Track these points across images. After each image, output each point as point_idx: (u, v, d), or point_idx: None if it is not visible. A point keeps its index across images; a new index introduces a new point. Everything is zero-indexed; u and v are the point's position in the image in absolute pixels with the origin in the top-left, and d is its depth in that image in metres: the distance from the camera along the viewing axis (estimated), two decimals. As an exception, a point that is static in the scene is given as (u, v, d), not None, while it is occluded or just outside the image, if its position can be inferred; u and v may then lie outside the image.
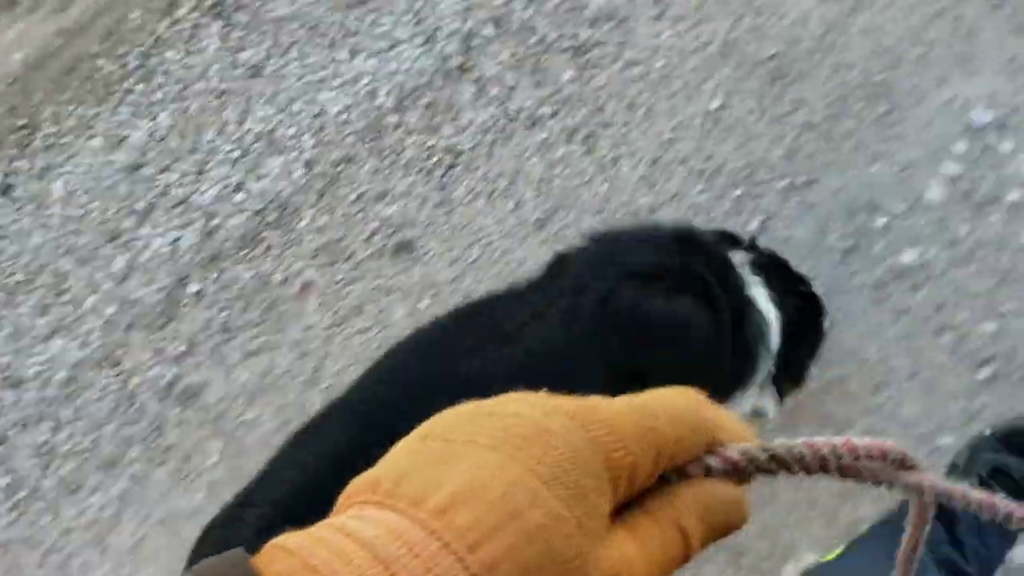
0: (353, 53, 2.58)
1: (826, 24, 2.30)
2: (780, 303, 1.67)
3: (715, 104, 2.30)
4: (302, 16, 2.67)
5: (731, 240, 1.76)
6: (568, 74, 2.42)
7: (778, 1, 2.35)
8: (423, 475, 0.40)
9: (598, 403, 0.42)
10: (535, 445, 0.39)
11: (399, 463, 0.42)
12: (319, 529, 0.39)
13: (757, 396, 1.80)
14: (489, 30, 2.51)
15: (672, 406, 0.43)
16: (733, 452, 0.43)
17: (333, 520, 0.40)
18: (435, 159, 2.40)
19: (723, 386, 1.61)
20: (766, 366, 1.68)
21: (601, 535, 0.39)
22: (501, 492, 0.38)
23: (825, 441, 0.43)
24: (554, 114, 2.39)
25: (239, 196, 2.48)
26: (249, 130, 2.56)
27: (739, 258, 1.66)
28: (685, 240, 1.62)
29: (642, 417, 0.42)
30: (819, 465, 0.42)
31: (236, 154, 2.53)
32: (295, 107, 2.56)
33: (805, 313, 1.75)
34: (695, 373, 1.52)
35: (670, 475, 0.42)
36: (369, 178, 2.42)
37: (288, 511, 1.30)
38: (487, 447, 0.40)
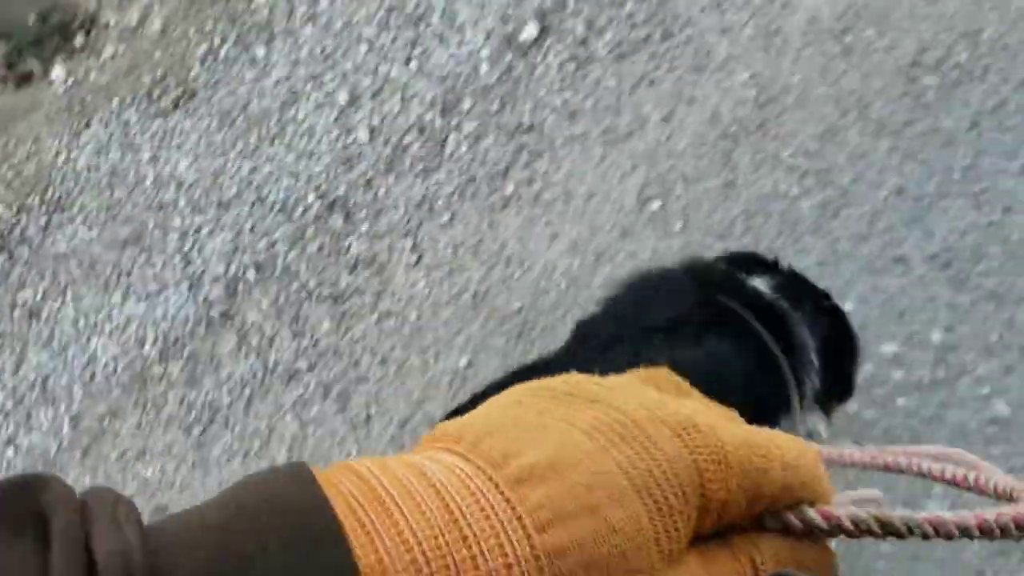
0: (125, 296, 2.57)
1: (570, 277, 2.29)
2: (812, 321, 1.70)
3: (463, 362, 2.29)
4: (80, 253, 2.67)
5: (753, 262, 1.76)
6: (326, 325, 2.42)
7: (525, 252, 2.34)
8: (509, 437, 0.38)
9: (717, 425, 0.41)
10: (633, 446, 0.38)
11: (488, 419, 0.41)
12: (394, 461, 0.38)
13: (805, 420, 1.83)
14: (252, 274, 2.51)
15: (790, 452, 0.42)
16: (840, 512, 0.41)
17: (410, 456, 0.39)
18: (194, 415, 2.40)
19: (772, 411, 1.60)
20: (811, 387, 1.70)
21: (675, 557, 0.37)
22: (586, 480, 0.36)
23: (953, 518, 0.40)
24: (311, 367, 2.39)
25: (9, 452, 2.49)
26: (24, 378, 2.56)
27: (763, 282, 1.67)
28: (701, 276, 1.62)
29: (755, 455, 0.40)
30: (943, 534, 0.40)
31: (10, 404, 2.54)
32: (69, 353, 2.56)
33: (836, 327, 1.77)
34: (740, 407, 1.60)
35: (766, 517, 0.41)
36: (132, 434, 2.42)
37: None
38: (582, 431, 0.39)
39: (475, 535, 0.34)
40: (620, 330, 1.54)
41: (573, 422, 0.39)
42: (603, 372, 1.36)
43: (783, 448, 0.42)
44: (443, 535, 0.34)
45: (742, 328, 1.55)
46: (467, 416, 0.42)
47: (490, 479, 0.36)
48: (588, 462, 0.37)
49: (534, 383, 0.44)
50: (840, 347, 1.79)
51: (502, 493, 0.35)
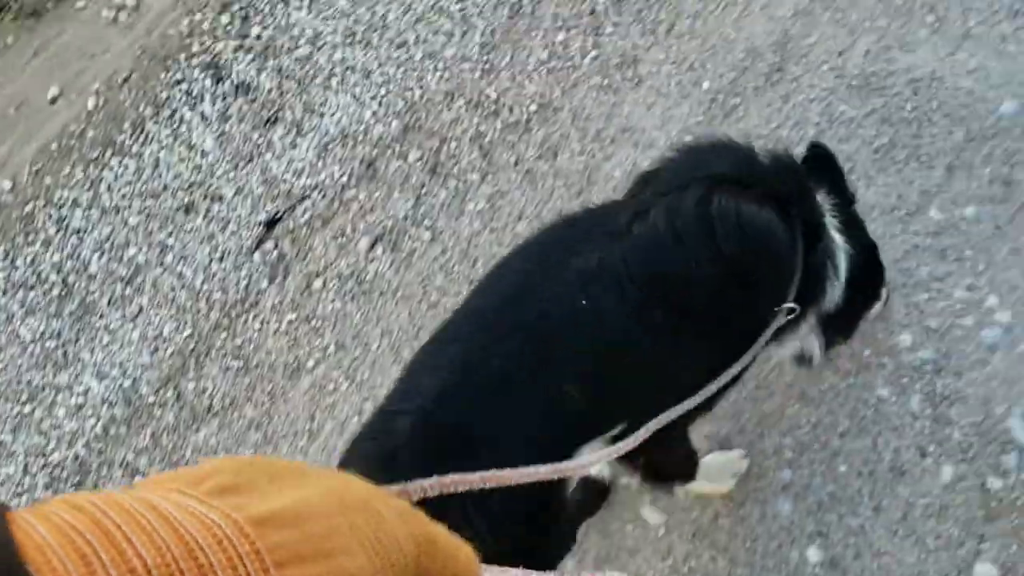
0: None
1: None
2: (851, 241, 1.80)
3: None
4: None
5: (823, 171, 1.86)
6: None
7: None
8: (250, 484, 0.41)
9: (424, 519, 0.51)
10: (363, 512, 0.44)
11: (228, 467, 0.43)
12: (122, 495, 0.37)
13: (807, 337, 1.88)
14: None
15: (461, 548, 0.54)
16: None
17: (139, 492, 0.39)
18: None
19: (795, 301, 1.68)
20: (832, 297, 1.77)
21: None
22: (322, 530, 0.40)
23: None
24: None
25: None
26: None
27: (821, 191, 1.77)
28: (776, 158, 1.71)
29: (450, 543, 0.52)
30: None
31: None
32: None
33: (869, 261, 1.91)
34: (775, 283, 1.66)
35: None
36: None
37: (431, 416, 1.41)
38: (320, 487, 0.43)
39: (211, 564, 0.36)
40: (688, 178, 1.60)
41: (310, 475, 0.44)
42: (669, 212, 1.55)
43: (456, 542, 0.53)
44: (176, 563, 0.35)
45: (789, 215, 1.64)
46: (204, 464, 0.44)
47: (229, 516, 0.38)
48: (326, 515, 0.42)
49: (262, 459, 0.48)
50: (864, 284, 1.91)
51: (242, 530, 0.38)
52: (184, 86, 3.33)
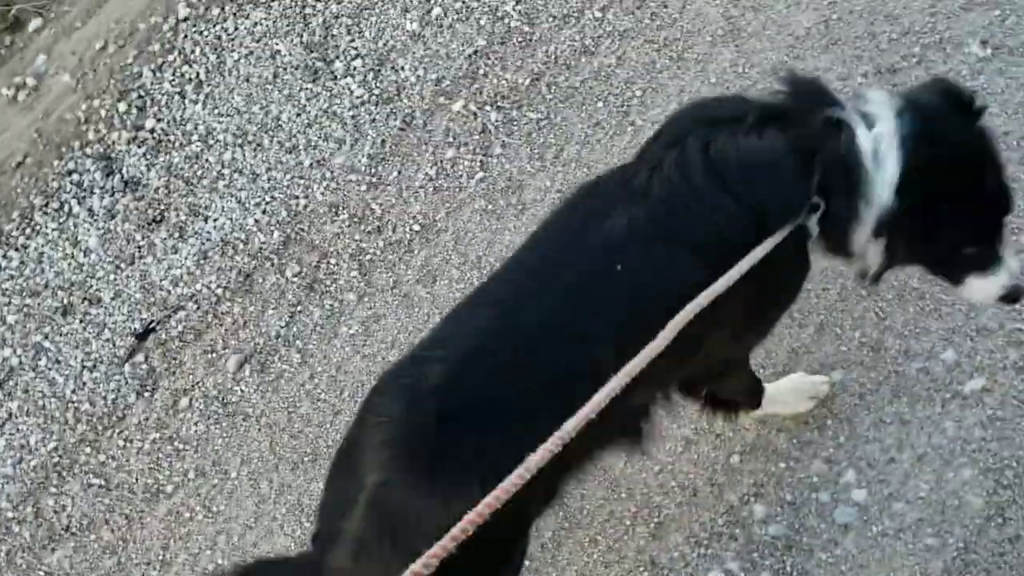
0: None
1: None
2: (913, 149, 1.62)
3: None
4: None
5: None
6: None
7: None
8: None
9: None
10: None
11: None
12: None
13: (863, 244, 1.73)
14: None
15: None
16: None
17: None
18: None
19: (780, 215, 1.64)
20: (875, 196, 1.64)
21: None
22: None
23: None
24: None
25: None
26: None
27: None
28: (793, 82, 1.73)
29: None
30: None
31: None
32: None
33: (961, 169, 1.66)
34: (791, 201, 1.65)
35: None
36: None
37: (463, 371, 1.50)
38: None
39: None
40: (687, 129, 1.67)
41: None
42: (679, 164, 1.61)
43: None
44: None
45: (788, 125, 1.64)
46: None
47: None
48: None
49: None
50: (953, 193, 1.65)
51: None
52: (75, 177, 3.25)
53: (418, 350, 1.65)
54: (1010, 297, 1.84)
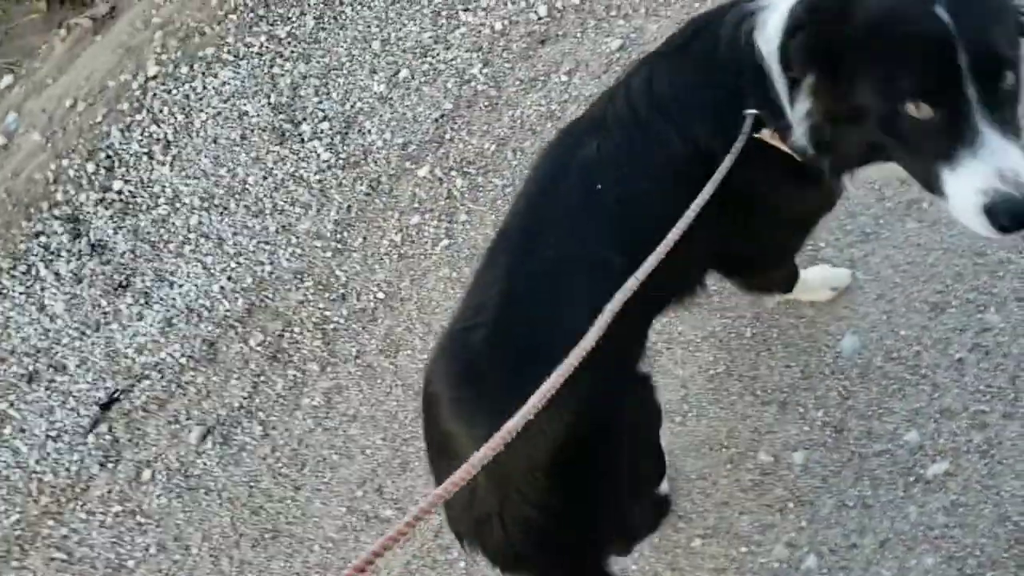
0: None
1: None
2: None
3: None
4: None
5: None
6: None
7: None
8: None
9: None
10: None
11: None
12: None
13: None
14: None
15: None
16: None
17: None
18: None
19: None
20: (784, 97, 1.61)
21: None
22: None
23: None
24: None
25: None
26: None
27: None
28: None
29: None
30: None
31: None
32: None
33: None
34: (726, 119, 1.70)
35: None
36: None
37: (500, 324, 1.59)
38: None
39: None
40: (630, 70, 1.84)
41: None
42: (627, 95, 1.76)
43: None
44: None
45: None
46: None
47: None
48: None
49: None
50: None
51: None
52: (43, 239, 3.24)
53: (455, 323, 1.72)
54: (997, 214, 1.36)
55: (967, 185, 1.37)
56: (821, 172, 1.66)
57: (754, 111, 1.65)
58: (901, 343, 2.46)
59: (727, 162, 1.63)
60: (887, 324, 2.49)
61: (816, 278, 2.50)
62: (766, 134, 1.68)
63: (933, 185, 1.46)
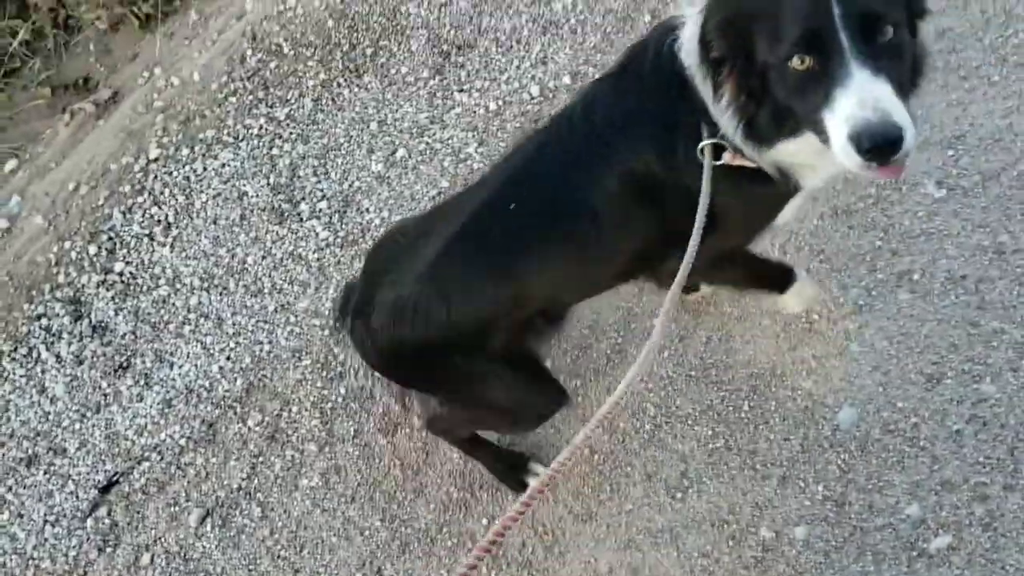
0: None
1: None
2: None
3: None
4: None
5: None
6: None
7: None
8: None
9: None
10: None
11: None
12: None
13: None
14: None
15: None
16: None
17: None
18: None
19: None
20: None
21: None
22: None
23: None
24: None
25: None
26: None
27: None
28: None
29: None
30: None
31: None
32: None
33: None
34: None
35: None
36: None
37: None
38: None
39: None
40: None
41: None
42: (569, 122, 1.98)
43: None
44: None
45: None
46: None
47: None
48: None
49: None
50: None
51: None
52: (44, 322, 3.26)
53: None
54: (858, 139, 1.46)
55: (837, 120, 1.49)
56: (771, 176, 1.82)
57: (711, 140, 1.77)
58: (898, 415, 2.47)
59: (703, 200, 1.77)
60: (884, 396, 2.49)
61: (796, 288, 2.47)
62: (727, 157, 1.79)
63: (821, 133, 1.57)
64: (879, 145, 1.44)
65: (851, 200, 2.77)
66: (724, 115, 1.71)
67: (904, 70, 1.56)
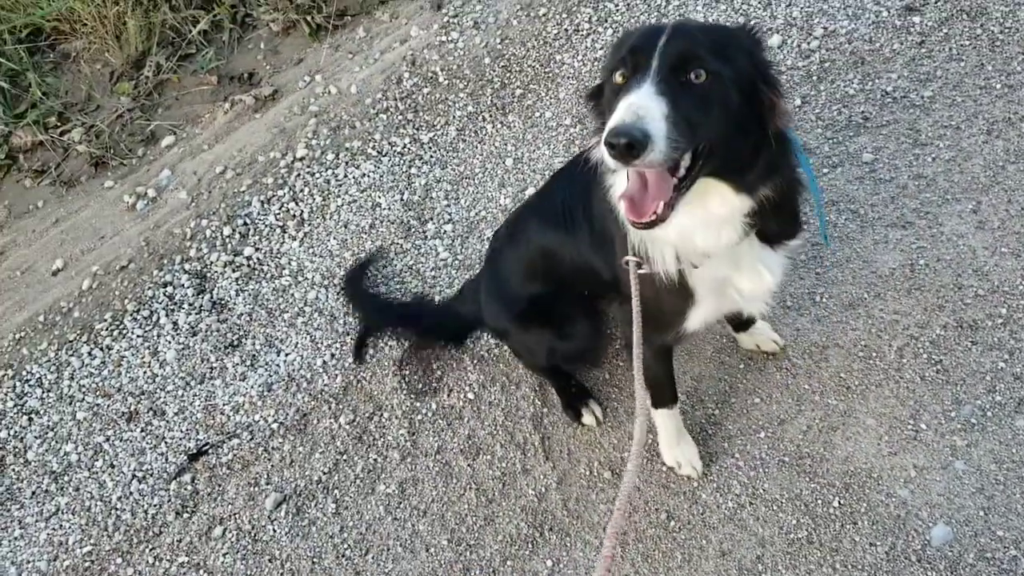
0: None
1: None
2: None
3: None
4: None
5: None
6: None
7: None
8: None
9: None
10: None
11: None
12: None
13: None
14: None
15: None
16: None
17: None
18: None
19: None
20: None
21: None
22: None
23: None
24: None
25: None
26: None
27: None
28: None
29: None
30: None
31: None
32: None
33: None
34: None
35: None
36: None
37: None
38: None
39: None
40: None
41: None
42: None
43: None
44: None
45: None
46: None
47: None
48: None
49: None
50: None
51: None
52: (169, 290, 3.44)
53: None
54: (608, 134, 1.56)
55: (607, 124, 1.59)
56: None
57: (633, 258, 2.02)
58: (997, 543, 2.36)
59: (635, 304, 2.00)
60: (984, 521, 2.40)
61: (676, 445, 2.66)
62: (645, 269, 2.01)
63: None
64: (620, 140, 1.51)
65: (980, 316, 2.70)
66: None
67: (704, 115, 1.65)
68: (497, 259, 2.73)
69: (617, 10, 3.74)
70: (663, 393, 2.55)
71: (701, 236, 1.87)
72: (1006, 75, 3.13)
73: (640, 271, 2.02)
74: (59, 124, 4.06)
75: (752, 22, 2.33)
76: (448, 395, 2.98)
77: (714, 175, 1.77)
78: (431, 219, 3.39)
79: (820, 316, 2.82)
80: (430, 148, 3.59)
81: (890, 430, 2.59)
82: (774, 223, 1.98)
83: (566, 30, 3.77)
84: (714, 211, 1.84)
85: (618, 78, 1.70)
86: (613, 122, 1.55)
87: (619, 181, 1.87)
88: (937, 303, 2.76)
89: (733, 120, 1.71)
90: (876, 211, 2.98)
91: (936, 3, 3.34)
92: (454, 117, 3.65)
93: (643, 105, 1.57)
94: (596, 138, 1.83)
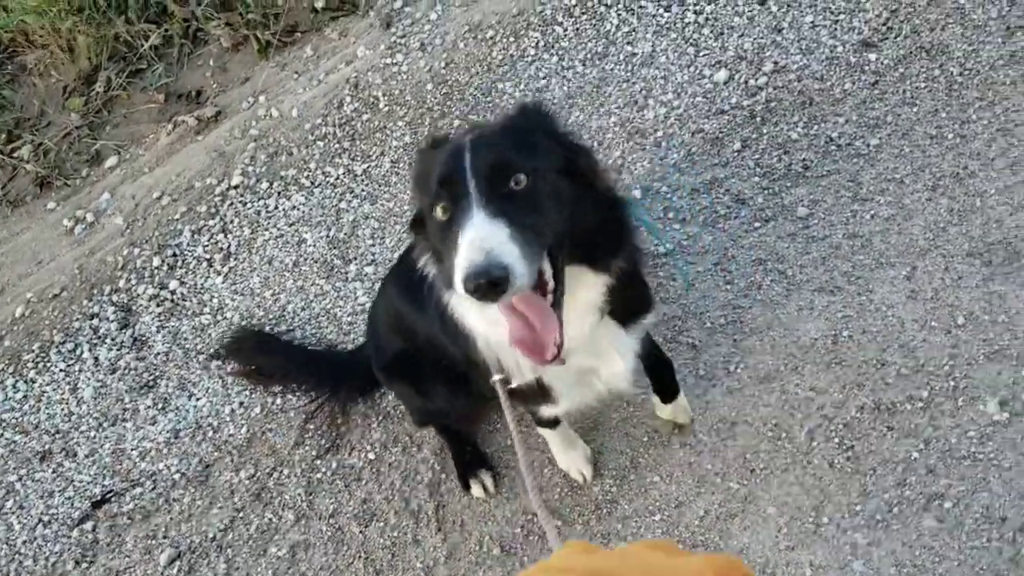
0: None
1: None
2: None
3: None
4: None
5: None
6: None
7: None
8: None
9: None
10: None
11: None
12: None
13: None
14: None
15: None
16: None
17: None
18: None
19: None
20: None
21: None
22: None
23: None
24: None
25: None
26: None
27: None
28: None
29: None
30: None
31: None
32: None
33: None
34: None
35: None
36: None
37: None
38: None
39: None
40: None
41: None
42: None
43: None
44: None
45: None
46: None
47: None
48: None
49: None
50: None
51: None
52: (95, 322, 3.39)
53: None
54: (465, 280, 1.44)
55: (457, 266, 1.47)
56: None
57: (499, 376, 1.92)
58: (886, 659, 2.20)
59: (510, 419, 1.91)
60: (875, 632, 2.23)
61: (568, 450, 2.61)
62: (512, 384, 1.94)
63: (452, 283, 1.55)
64: (480, 284, 1.41)
65: (900, 398, 2.50)
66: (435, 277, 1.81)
67: (543, 216, 1.57)
68: (376, 305, 2.65)
69: (565, 35, 3.54)
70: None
71: (573, 328, 1.73)
72: (960, 123, 2.88)
73: (509, 386, 1.95)
74: (10, 140, 4.03)
75: (530, 99, 2.30)
76: (349, 454, 2.88)
77: (571, 262, 1.67)
78: (354, 259, 3.27)
79: (732, 388, 2.64)
80: (363, 180, 3.46)
81: (791, 521, 2.41)
82: (625, 300, 1.86)
83: (511, 55, 3.58)
84: (580, 298, 1.74)
85: (440, 213, 1.61)
86: (464, 266, 1.44)
87: (474, 310, 1.75)
88: (857, 381, 2.56)
89: (567, 206, 1.62)
90: (805, 272, 2.77)
91: (895, 39, 3.08)
92: (390, 147, 3.51)
93: (485, 237, 1.47)
94: (436, 268, 1.77)
